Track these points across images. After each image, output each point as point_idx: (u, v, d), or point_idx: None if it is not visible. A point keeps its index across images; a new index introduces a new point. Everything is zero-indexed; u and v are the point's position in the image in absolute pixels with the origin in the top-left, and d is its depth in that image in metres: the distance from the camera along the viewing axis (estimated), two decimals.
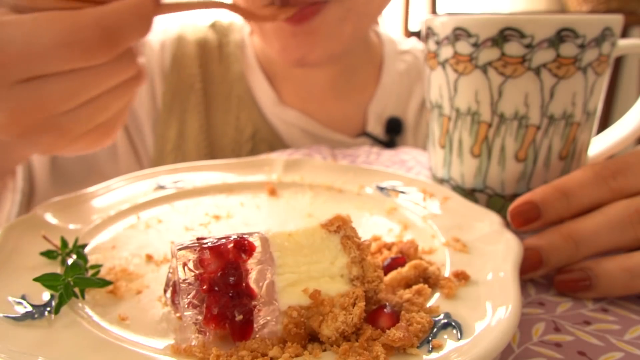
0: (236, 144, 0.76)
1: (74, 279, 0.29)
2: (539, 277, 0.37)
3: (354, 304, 0.26)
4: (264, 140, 0.76)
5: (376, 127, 0.78)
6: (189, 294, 0.26)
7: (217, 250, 0.26)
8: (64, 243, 0.33)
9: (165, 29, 0.81)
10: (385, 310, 0.27)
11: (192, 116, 0.76)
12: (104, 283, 0.30)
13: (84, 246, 0.34)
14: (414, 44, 0.87)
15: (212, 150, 0.76)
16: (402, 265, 0.32)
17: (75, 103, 0.36)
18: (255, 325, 0.26)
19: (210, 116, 0.77)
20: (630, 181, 0.35)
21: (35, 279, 0.28)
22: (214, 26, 0.82)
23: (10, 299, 0.28)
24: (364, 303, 0.26)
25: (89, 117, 0.38)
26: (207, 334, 0.26)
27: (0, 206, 0.59)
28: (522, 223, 0.36)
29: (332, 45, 0.62)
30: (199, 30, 0.81)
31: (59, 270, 0.32)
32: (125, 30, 0.35)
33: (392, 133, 0.78)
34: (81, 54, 0.34)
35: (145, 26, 0.37)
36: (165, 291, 0.30)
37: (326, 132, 0.76)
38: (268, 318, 0.26)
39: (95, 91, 0.37)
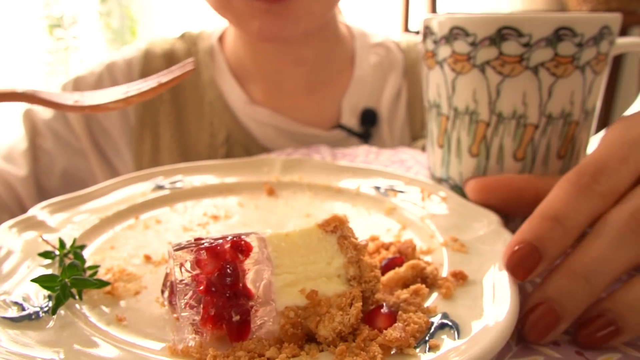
0: (211, 149, 0.76)
1: (71, 279, 0.29)
2: (538, 278, 0.36)
3: (350, 304, 0.26)
4: (238, 142, 0.76)
5: (351, 120, 0.79)
6: (186, 295, 0.26)
7: (213, 250, 0.26)
8: (62, 244, 0.33)
9: (132, 47, 0.81)
10: (382, 310, 0.27)
11: (164, 127, 0.76)
12: (102, 284, 0.30)
13: (82, 247, 0.34)
14: (387, 36, 0.87)
15: (186, 158, 0.76)
16: (400, 265, 0.32)
17: None
18: (252, 326, 0.26)
19: (183, 124, 0.77)
20: (613, 180, 0.31)
21: (33, 280, 0.28)
22: (183, 37, 0.83)
23: (8, 299, 0.28)
24: (361, 303, 0.26)
25: None
26: (204, 334, 0.26)
27: None
28: (527, 273, 0.30)
29: (307, 22, 0.65)
30: (166, 43, 0.81)
31: (57, 271, 0.32)
32: None
33: (367, 124, 0.79)
34: None
35: None
36: (162, 292, 0.30)
37: (300, 127, 0.76)
38: (265, 318, 0.26)
39: None
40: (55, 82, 2.46)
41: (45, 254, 0.33)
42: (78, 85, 0.76)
